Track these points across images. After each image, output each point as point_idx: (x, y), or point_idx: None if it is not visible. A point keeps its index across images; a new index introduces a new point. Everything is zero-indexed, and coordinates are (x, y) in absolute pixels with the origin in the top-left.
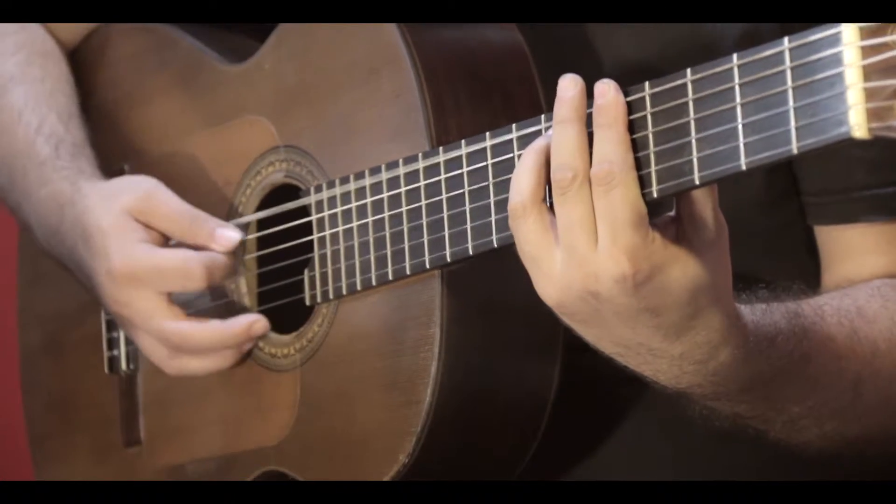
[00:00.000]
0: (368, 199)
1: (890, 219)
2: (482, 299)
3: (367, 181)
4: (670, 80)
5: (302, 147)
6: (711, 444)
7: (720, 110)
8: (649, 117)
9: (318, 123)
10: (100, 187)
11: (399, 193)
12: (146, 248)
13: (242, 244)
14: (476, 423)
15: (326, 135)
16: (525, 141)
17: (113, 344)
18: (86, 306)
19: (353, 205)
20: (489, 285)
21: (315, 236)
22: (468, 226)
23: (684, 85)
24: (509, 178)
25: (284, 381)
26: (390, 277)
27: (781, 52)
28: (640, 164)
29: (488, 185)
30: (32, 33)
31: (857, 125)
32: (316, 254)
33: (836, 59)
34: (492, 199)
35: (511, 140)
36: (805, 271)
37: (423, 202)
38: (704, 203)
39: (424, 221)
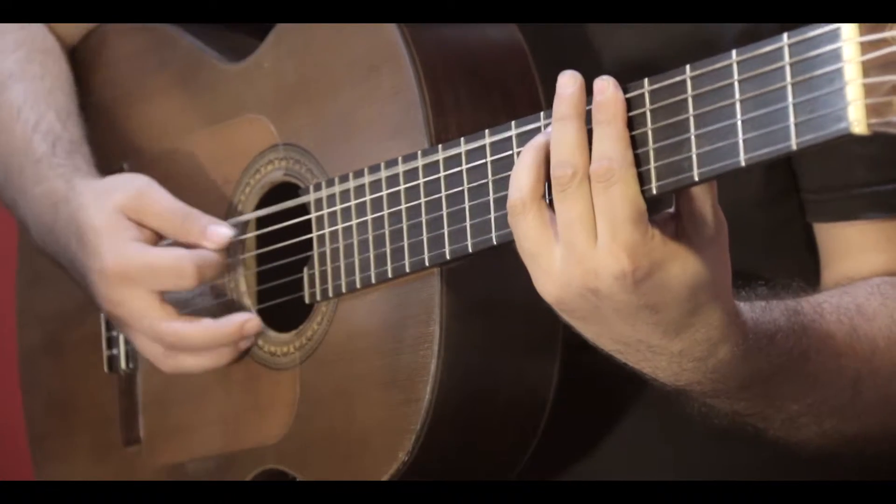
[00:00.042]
0: (367, 197)
1: (889, 216)
2: (481, 297)
3: (367, 179)
4: (669, 76)
5: (301, 145)
6: (711, 442)
7: (719, 107)
8: (648, 114)
9: (318, 121)
10: (94, 185)
11: (398, 191)
12: (138, 247)
13: (241, 243)
14: (475, 422)
15: (326, 133)
16: (524, 138)
17: (112, 343)
18: (85, 306)
19: (353, 203)
20: (489, 283)
21: (314, 234)
22: (467, 223)
23: (683, 81)
24: (508, 176)
25: (284, 379)
26: (389, 275)
27: (780, 49)
28: (639, 161)
29: (487, 183)
30: (33, 31)
31: (857, 121)
32: (315, 252)
33: (835, 55)
34: (491, 197)
35: (510, 137)
36: (804, 268)
37: (423, 200)
38: (704, 200)
39: (424, 219)
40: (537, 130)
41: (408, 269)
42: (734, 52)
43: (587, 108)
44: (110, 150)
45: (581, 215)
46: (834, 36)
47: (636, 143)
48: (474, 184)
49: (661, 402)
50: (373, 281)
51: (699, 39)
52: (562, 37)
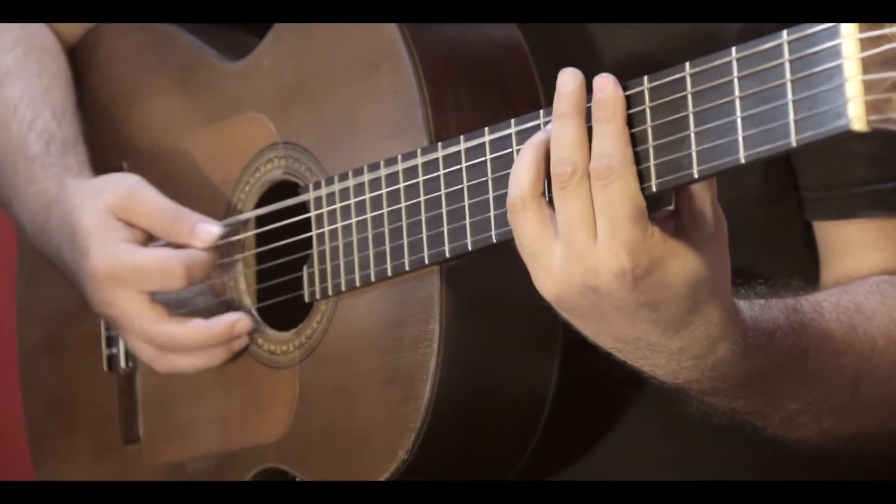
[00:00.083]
0: (367, 196)
1: (889, 214)
2: (481, 295)
3: (366, 177)
4: (669, 73)
5: (301, 144)
6: (711, 441)
7: (719, 104)
8: (648, 111)
9: (317, 120)
10: (84, 186)
11: (398, 189)
12: (127, 247)
13: (241, 241)
14: (475, 420)
15: (325, 131)
16: (524, 136)
17: (112, 342)
18: (84, 305)
19: (352, 201)
20: (488, 281)
21: (314, 232)
22: (467, 221)
23: (683, 79)
24: (508, 174)
25: (283, 378)
26: (389, 274)
27: (780, 45)
28: (639, 159)
29: (487, 181)
30: (32, 29)
31: (856, 117)
32: (315, 250)
33: (835, 52)
34: (490, 195)
35: (510, 135)
36: (804, 266)
37: (422, 198)
38: (703, 197)
39: (423, 217)
40: (537, 128)
41: (407, 268)
42: (734, 48)
43: (587, 105)
44: (110, 149)
45: (581, 213)
46: (833, 32)
47: (636, 140)
48: (474, 182)
49: (660, 400)
50: (372, 279)
51: (699, 37)
52: (562, 35)
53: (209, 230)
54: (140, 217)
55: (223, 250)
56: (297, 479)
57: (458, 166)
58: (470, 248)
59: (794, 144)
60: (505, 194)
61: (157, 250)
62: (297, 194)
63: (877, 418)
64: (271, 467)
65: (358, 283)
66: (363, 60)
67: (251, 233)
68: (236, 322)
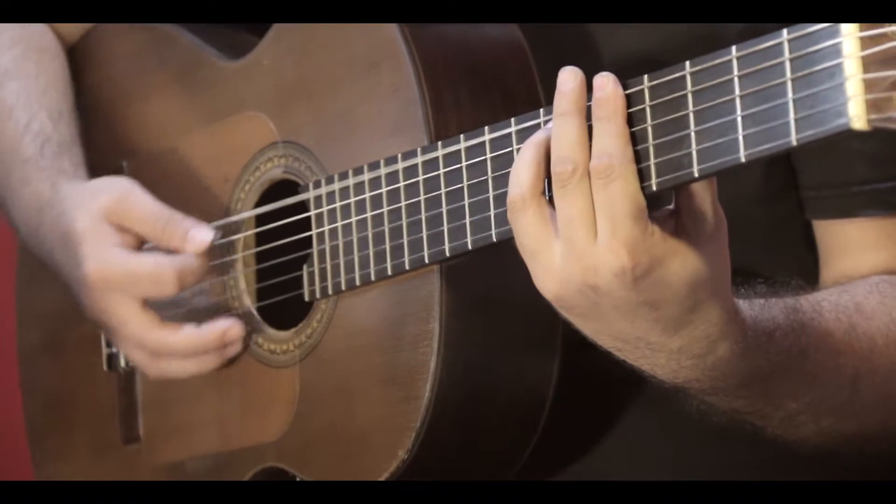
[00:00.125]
0: (367, 195)
1: (889, 213)
2: (481, 294)
3: (366, 176)
4: (669, 72)
5: (301, 143)
6: (710, 441)
7: (719, 102)
8: (648, 110)
9: (317, 119)
10: (77, 189)
11: (398, 188)
12: (119, 253)
13: (240, 240)
14: (475, 419)
15: (325, 130)
16: (524, 135)
17: (112, 341)
18: None
19: (352, 200)
20: (488, 280)
21: (314, 232)
22: (467, 220)
23: (683, 77)
24: (508, 173)
25: (283, 377)
26: (389, 273)
27: (780, 44)
28: (639, 157)
29: (487, 180)
30: (30, 28)
31: (857, 116)
32: (315, 249)
33: (835, 50)
34: (490, 194)
35: (510, 134)
36: (804, 265)
37: (422, 197)
38: (704, 196)
39: (423, 216)
40: (537, 127)
41: (407, 267)
42: (734, 47)
43: (587, 104)
44: (109, 149)
45: (581, 212)
46: (834, 31)
47: (636, 139)
48: (474, 181)
49: (660, 400)
50: (372, 278)
51: (699, 36)
52: (562, 34)
53: (202, 236)
54: (132, 221)
55: (222, 250)
56: (298, 479)
57: (458, 165)
58: (470, 247)
59: (794, 143)
60: (505, 193)
61: (150, 256)
62: (297, 193)
63: (876, 418)
64: (271, 467)
65: (358, 282)
66: (363, 59)
67: (251, 232)
68: (228, 329)
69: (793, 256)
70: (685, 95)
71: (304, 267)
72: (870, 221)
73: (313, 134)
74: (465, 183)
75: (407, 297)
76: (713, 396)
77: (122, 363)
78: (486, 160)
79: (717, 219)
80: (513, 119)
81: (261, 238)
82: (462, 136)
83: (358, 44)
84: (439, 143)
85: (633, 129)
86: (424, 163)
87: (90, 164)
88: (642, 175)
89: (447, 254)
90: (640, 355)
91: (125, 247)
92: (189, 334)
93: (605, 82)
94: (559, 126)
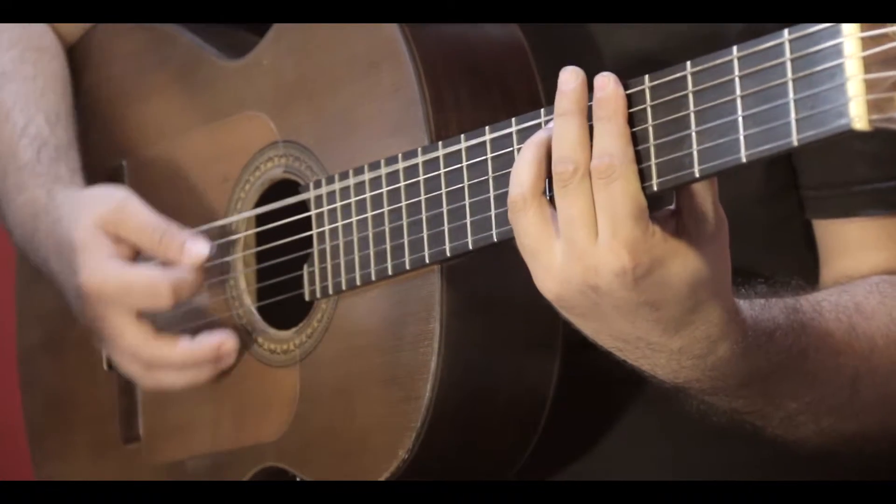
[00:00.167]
0: (367, 195)
1: (889, 213)
2: (482, 294)
3: (366, 176)
4: (670, 72)
5: (301, 142)
6: (711, 441)
7: (720, 103)
8: (649, 110)
9: (318, 119)
10: (73, 197)
11: (398, 188)
12: (114, 265)
13: (240, 240)
14: (476, 419)
15: (325, 130)
16: (524, 135)
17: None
18: None
19: (353, 200)
20: (489, 280)
21: (314, 231)
22: (468, 220)
23: (684, 77)
24: (509, 173)
25: (284, 376)
26: (390, 273)
27: (781, 44)
28: (640, 158)
29: (488, 180)
30: (30, 28)
31: (858, 117)
32: (315, 249)
33: (837, 51)
34: (491, 194)
35: (510, 134)
36: (804, 265)
37: (423, 197)
38: (704, 196)
39: (424, 216)
40: (538, 127)
41: (408, 267)
42: (735, 48)
43: (588, 104)
44: (109, 148)
45: (582, 212)
46: (835, 31)
47: (637, 139)
48: (475, 181)
49: (660, 400)
50: (373, 278)
51: (700, 36)
52: (562, 34)
53: (198, 249)
54: (129, 231)
55: (223, 249)
56: (298, 479)
57: (458, 165)
58: (471, 247)
59: (795, 144)
60: (506, 193)
61: (145, 268)
62: (297, 193)
63: (876, 418)
64: (271, 466)
65: (358, 282)
66: (363, 59)
67: (251, 231)
68: (223, 343)
69: (793, 256)
70: (686, 95)
71: (305, 266)
72: (870, 221)
73: (313, 134)
74: (466, 183)
75: (407, 297)
76: (713, 396)
77: None
78: (486, 160)
79: (718, 219)
80: (513, 119)
81: (261, 238)
82: (463, 135)
83: (358, 44)
84: (440, 142)
85: (634, 130)
86: (425, 162)
87: (90, 164)
88: (643, 175)
89: (448, 254)
90: (640, 355)
91: (121, 257)
92: (184, 348)
93: (606, 82)
94: (560, 126)
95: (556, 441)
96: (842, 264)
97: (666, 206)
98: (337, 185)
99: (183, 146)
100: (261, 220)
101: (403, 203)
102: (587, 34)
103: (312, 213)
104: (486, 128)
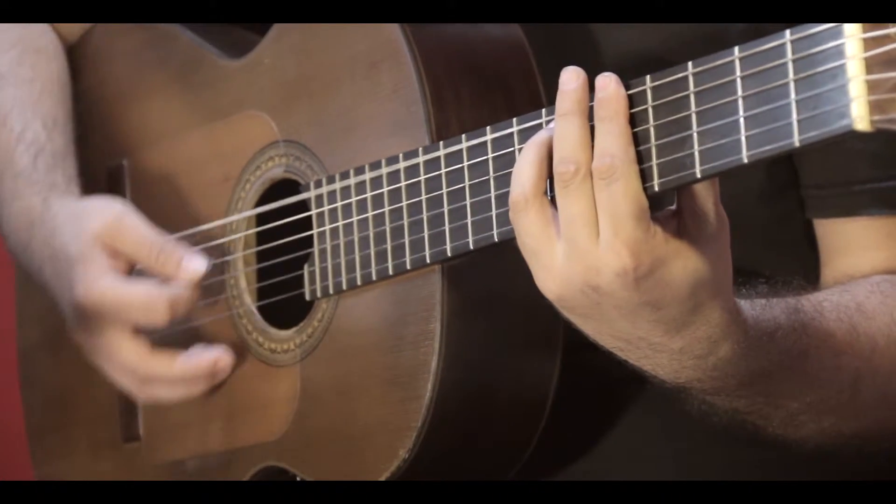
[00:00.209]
0: (368, 194)
1: (890, 213)
2: (483, 294)
3: (367, 176)
4: (671, 73)
5: (302, 142)
6: (711, 441)
7: (722, 103)
8: (650, 110)
9: (318, 118)
10: (69, 207)
11: (399, 188)
12: (110, 280)
13: (240, 240)
14: (476, 419)
15: (326, 129)
16: (526, 135)
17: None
18: None
19: (353, 199)
20: (490, 280)
21: (315, 231)
22: (469, 220)
23: (685, 78)
24: (510, 173)
25: (284, 376)
26: (390, 272)
27: (783, 45)
28: (641, 158)
29: (489, 180)
30: (30, 27)
31: (860, 118)
32: (316, 249)
33: (838, 51)
34: (492, 194)
35: (512, 134)
36: (805, 265)
37: (424, 197)
38: (706, 197)
39: (425, 216)
40: (539, 127)
41: (409, 266)
42: (736, 48)
43: (589, 104)
44: (109, 148)
45: (583, 212)
46: (837, 32)
47: (638, 139)
48: (476, 180)
49: (661, 400)
50: (374, 278)
51: (702, 36)
52: (563, 34)
53: (195, 265)
54: (126, 246)
55: (223, 249)
56: (298, 478)
57: (459, 165)
58: (472, 247)
59: (797, 144)
60: (507, 193)
61: (142, 284)
62: (297, 192)
63: (876, 418)
64: (272, 466)
65: (359, 282)
66: (364, 58)
67: (252, 230)
68: (219, 360)
69: (794, 255)
70: (688, 96)
71: (305, 266)
72: (871, 220)
73: (314, 133)
74: (467, 182)
75: (408, 297)
76: (714, 396)
77: None
78: (487, 160)
79: (719, 219)
80: (515, 119)
81: (261, 237)
82: (464, 135)
83: (359, 43)
84: (441, 142)
85: (636, 130)
86: (426, 162)
87: (90, 163)
88: (644, 175)
89: (449, 253)
90: (641, 355)
91: (117, 272)
92: (180, 364)
93: (608, 82)
94: (561, 126)
95: (556, 441)
96: (843, 264)
97: (667, 207)
98: (337, 185)
99: (183, 145)
100: (261, 219)
101: (404, 203)
102: (588, 34)
103: (313, 212)
104: (488, 128)
